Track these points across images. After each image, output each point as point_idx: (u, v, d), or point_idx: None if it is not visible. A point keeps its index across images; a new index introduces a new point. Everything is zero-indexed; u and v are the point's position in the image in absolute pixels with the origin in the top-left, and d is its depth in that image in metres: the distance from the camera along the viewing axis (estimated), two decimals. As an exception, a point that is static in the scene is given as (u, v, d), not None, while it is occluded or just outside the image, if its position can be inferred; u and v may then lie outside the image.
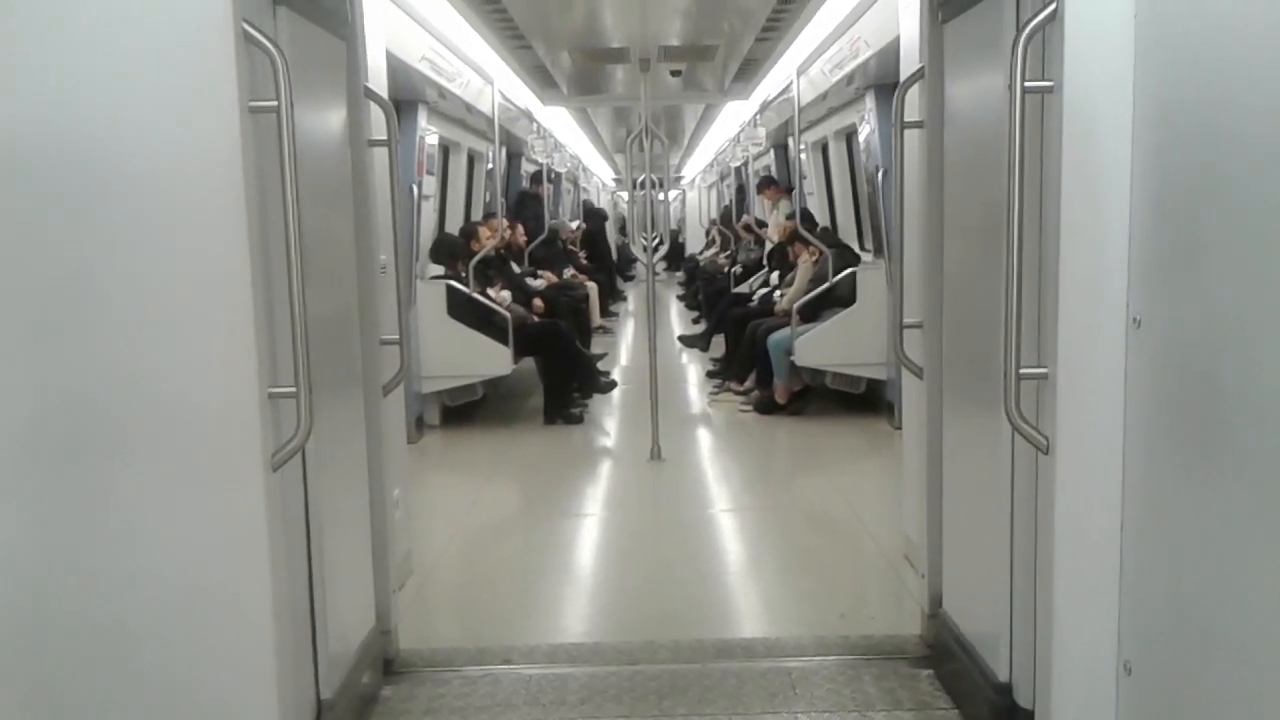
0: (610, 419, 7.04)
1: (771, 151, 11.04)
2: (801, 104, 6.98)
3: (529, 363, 7.14)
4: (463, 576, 4.08)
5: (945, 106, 2.84)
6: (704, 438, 6.54)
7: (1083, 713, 2.22)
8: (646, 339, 6.15)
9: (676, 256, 19.54)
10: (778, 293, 7.94)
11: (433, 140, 6.95)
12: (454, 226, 7.99)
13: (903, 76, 3.17)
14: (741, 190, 12.79)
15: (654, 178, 6.70)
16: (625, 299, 15.21)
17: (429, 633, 3.35)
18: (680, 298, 15.16)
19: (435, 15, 5.18)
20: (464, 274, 6.76)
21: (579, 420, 6.81)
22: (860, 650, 3.09)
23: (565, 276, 10.33)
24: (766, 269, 9.25)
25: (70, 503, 1.99)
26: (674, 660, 3.05)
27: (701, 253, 16.07)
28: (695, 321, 11.79)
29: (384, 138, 3.02)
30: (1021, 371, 2.16)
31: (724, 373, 8.00)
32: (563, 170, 12.41)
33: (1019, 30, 2.10)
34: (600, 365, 7.80)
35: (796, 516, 4.89)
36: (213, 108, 1.97)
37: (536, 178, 10.71)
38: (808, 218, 7.82)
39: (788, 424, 6.74)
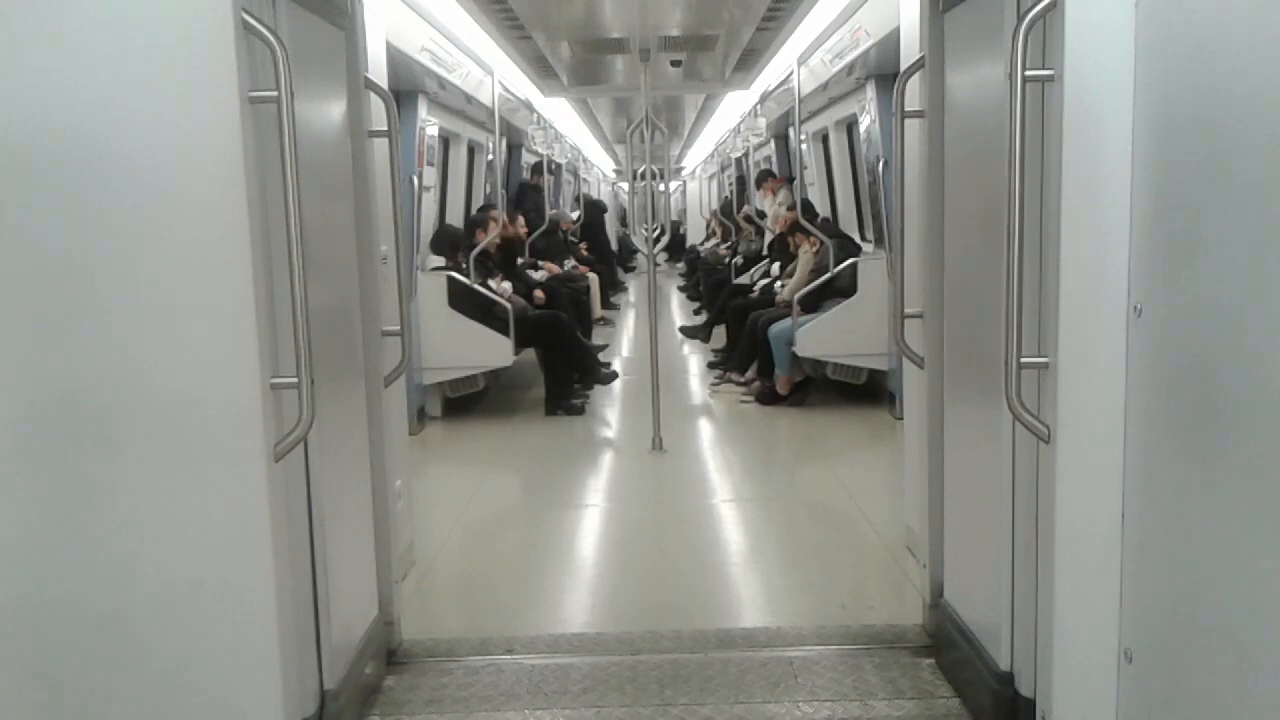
0: (611, 410, 7.05)
1: (772, 142, 11.02)
2: (802, 94, 6.96)
3: (530, 354, 7.15)
4: (465, 567, 4.09)
5: (946, 96, 2.84)
6: (705, 428, 6.54)
7: (1084, 700, 2.23)
8: (648, 330, 6.15)
9: (677, 247, 19.52)
10: (779, 283, 7.94)
11: (433, 131, 6.93)
12: (454, 218, 7.99)
13: (903, 66, 3.16)
14: (742, 181, 12.77)
15: (654, 169, 6.69)
16: (626, 290, 15.20)
17: (431, 623, 3.36)
18: (681, 289, 15.15)
19: (435, 6, 5.17)
20: (465, 265, 6.76)
21: (580, 411, 6.81)
22: (862, 640, 3.10)
23: (566, 268, 10.32)
24: (767, 260, 9.24)
25: (72, 495, 2.00)
26: (676, 650, 3.06)
27: (702, 244, 16.06)
28: (696, 312, 11.79)
29: (384, 128, 3.01)
30: (1022, 360, 2.16)
31: (725, 364, 8.00)
32: (563, 161, 12.38)
33: (1019, 19, 2.10)
34: (601, 356, 7.80)
35: (798, 507, 4.89)
36: (212, 98, 1.97)
37: (537, 169, 10.69)
38: (809, 208, 7.81)
39: (789, 414, 6.74)
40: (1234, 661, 1.76)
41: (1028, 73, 2.09)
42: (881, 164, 6.43)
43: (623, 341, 10.35)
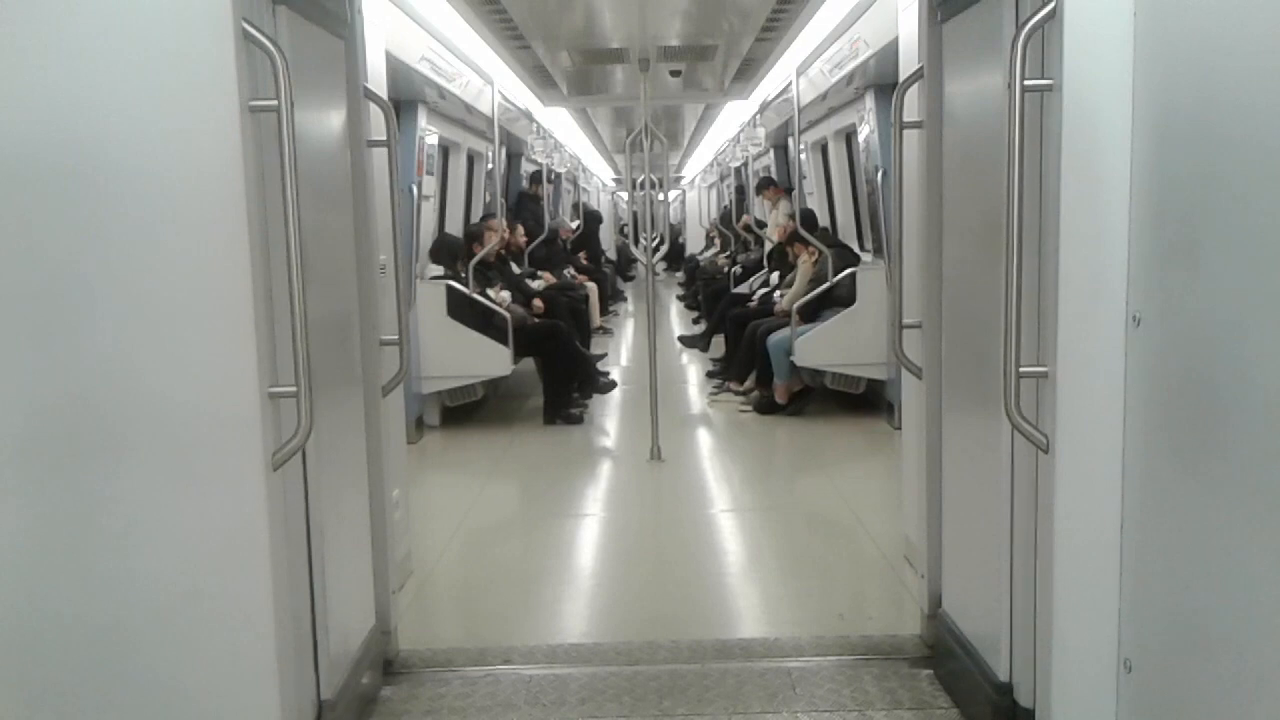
0: (610, 419, 7.04)
1: (771, 152, 11.04)
2: (801, 104, 6.98)
3: (529, 363, 7.15)
4: (463, 577, 4.08)
5: (944, 106, 2.84)
6: (704, 438, 6.54)
7: (1083, 711, 2.22)
8: (646, 339, 6.16)
9: (676, 257, 19.54)
10: (777, 293, 7.94)
11: (432, 140, 6.94)
12: (454, 227, 7.99)
13: (902, 76, 3.17)
14: (741, 190, 12.79)
15: (654, 178, 6.70)
16: (625, 299, 15.20)
17: (429, 633, 3.35)
18: (680, 298, 15.16)
19: (435, 15, 5.18)
20: (464, 274, 6.76)
21: (579, 420, 6.81)
22: (860, 650, 3.09)
23: (565, 277, 10.33)
24: (766, 269, 9.25)
25: (70, 503, 2.00)
26: (674, 660, 3.05)
27: (701, 253, 16.08)
28: (695, 322, 11.79)
29: (383, 138, 3.02)
30: (1021, 370, 2.16)
31: (724, 373, 8.00)
32: (562, 170, 12.40)
33: (1018, 29, 2.10)
34: (600, 365, 7.80)
35: (796, 517, 4.89)
36: (213, 107, 1.97)
37: (536, 178, 10.71)
38: (809, 218, 7.82)
39: (787, 424, 6.74)
40: (1234, 671, 1.76)
41: (1026, 82, 2.09)
42: (880, 174, 6.45)
43: (621, 351, 10.35)
